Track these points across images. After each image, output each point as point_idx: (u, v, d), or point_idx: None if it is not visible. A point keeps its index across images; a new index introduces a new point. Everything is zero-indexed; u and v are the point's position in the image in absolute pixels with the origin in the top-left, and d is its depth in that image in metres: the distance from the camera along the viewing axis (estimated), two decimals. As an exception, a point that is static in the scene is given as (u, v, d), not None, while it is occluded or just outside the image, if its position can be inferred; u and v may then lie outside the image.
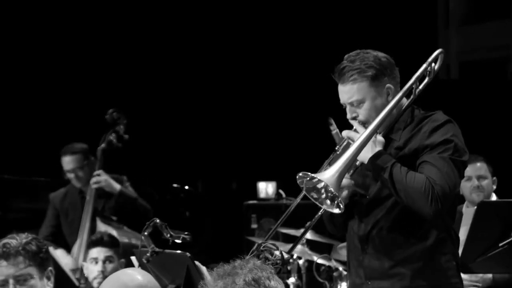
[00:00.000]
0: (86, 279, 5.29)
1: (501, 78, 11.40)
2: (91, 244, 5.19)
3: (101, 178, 6.15)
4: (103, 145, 6.27)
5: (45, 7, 9.15)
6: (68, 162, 6.24)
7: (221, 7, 9.90)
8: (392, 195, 3.45)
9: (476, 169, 5.37)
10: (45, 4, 9.17)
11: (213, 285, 2.39)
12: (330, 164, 3.44)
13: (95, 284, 5.06)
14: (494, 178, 5.45)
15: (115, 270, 4.57)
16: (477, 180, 5.34)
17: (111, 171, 6.37)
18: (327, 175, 3.31)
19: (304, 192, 3.41)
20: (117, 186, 6.19)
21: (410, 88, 3.56)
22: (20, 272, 3.61)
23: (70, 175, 6.26)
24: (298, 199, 3.50)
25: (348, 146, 3.47)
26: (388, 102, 3.50)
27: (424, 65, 3.60)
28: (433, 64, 3.62)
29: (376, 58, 3.52)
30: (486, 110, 9.26)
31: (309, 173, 3.35)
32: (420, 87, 3.59)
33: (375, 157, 3.42)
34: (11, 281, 3.60)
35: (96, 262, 5.11)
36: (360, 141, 3.40)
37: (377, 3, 10.21)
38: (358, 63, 3.49)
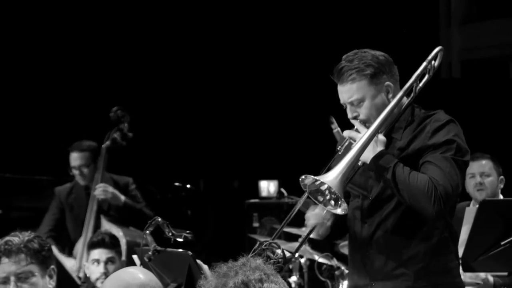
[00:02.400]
0: (87, 278, 5.29)
1: (503, 76, 11.39)
2: (92, 245, 5.18)
3: (108, 191, 6.13)
4: (107, 142, 6.26)
5: (50, 6, 9.16)
6: (75, 158, 6.24)
7: (222, 7, 9.90)
8: (394, 195, 3.45)
9: (480, 166, 5.36)
10: (51, 2, 9.18)
11: (208, 284, 2.37)
12: (332, 165, 3.44)
13: (98, 284, 5.06)
14: (502, 177, 5.42)
15: (117, 270, 4.56)
16: (479, 177, 5.33)
17: (115, 169, 6.37)
18: (330, 177, 3.31)
19: (307, 194, 3.41)
20: (121, 198, 6.17)
21: (411, 86, 3.55)
22: (21, 270, 3.60)
23: (75, 172, 6.25)
24: (302, 200, 3.50)
25: (350, 146, 3.47)
26: (388, 100, 3.50)
27: (424, 63, 3.58)
28: (433, 62, 3.60)
29: (374, 56, 3.51)
30: (488, 108, 9.26)
31: (312, 176, 3.34)
32: (420, 84, 3.58)
33: (377, 157, 3.41)
34: (12, 278, 3.59)
35: (98, 263, 5.11)
36: (362, 142, 3.39)
37: (379, 2, 10.20)
38: (356, 63, 3.49)
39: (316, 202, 3.42)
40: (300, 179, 3.35)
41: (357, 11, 10.04)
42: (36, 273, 3.61)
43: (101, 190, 6.11)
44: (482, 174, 5.34)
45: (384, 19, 10.03)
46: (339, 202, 3.35)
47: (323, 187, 3.37)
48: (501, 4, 11.00)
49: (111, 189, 6.13)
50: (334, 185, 3.29)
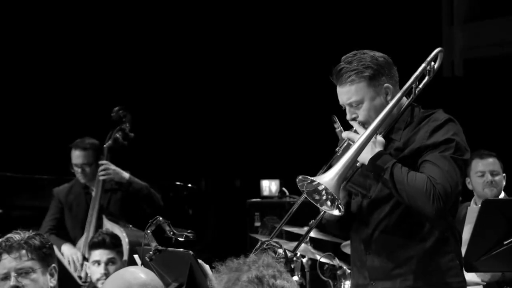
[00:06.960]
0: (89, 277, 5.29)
1: (506, 75, 11.37)
2: (93, 246, 5.17)
3: (110, 169, 6.12)
4: (109, 142, 6.26)
5: (51, 5, 9.16)
6: (77, 156, 6.22)
7: (223, 6, 9.90)
8: (393, 195, 3.44)
9: (489, 164, 5.36)
10: (51, 2, 9.18)
11: (219, 279, 2.39)
12: (330, 166, 3.43)
13: (99, 284, 5.06)
14: (504, 174, 5.43)
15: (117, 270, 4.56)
16: (490, 175, 5.33)
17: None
18: (327, 178, 3.31)
19: (304, 195, 3.40)
20: (126, 175, 6.17)
21: (410, 87, 3.54)
22: (22, 265, 3.60)
23: (77, 170, 6.23)
24: (301, 199, 3.50)
25: (348, 147, 3.46)
26: (387, 102, 3.49)
27: (424, 64, 3.58)
28: (432, 63, 3.60)
29: (373, 58, 3.50)
30: (491, 107, 9.25)
31: (309, 177, 3.33)
32: (420, 86, 3.57)
33: (375, 158, 3.41)
34: (13, 274, 3.59)
35: (99, 264, 5.10)
36: (360, 143, 3.39)
37: (381, 0, 10.19)
38: (355, 64, 3.48)
39: (313, 202, 3.41)
40: (297, 180, 3.35)
41: (359, 10, 10.03)
42: (36, 269, 3.62)
43: (103, 172, 6.10)
44: (492, 172, 5.34)
45: (387, 18, 10.01)
46: (335, 203, 3.35)
47: (320, 187, 3.37)
48: (504, 2, 10.97)
49: (113, 166, 6.13)
50: (330, 186, 3.29)
